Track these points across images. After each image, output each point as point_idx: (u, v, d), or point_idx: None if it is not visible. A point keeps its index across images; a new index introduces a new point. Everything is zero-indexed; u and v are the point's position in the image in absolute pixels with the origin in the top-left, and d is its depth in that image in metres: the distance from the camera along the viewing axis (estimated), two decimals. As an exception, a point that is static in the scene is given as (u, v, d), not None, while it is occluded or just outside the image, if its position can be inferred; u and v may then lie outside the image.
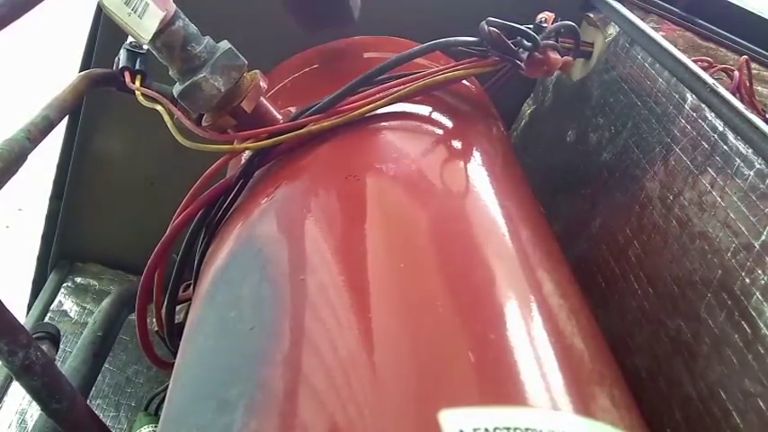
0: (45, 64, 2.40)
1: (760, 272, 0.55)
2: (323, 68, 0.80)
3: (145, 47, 0.62)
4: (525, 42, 0.69)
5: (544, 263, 0.51)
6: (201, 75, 0.58)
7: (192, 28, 0.59)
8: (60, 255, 1.32)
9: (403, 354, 0.38)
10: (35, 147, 0.56)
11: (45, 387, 0.56)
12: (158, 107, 0.63)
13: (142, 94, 0.66)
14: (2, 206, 2.02)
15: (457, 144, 0.63)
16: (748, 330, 0.55)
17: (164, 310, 0.69)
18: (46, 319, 1.22)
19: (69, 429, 0.59)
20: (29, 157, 0.55)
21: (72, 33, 1.35)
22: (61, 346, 0.72)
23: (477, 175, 0.59)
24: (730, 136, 0.64)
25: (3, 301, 0.51)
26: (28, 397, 0.81)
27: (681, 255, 0.66)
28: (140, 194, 1.27)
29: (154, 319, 0.72)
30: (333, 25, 0.81)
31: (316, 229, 0.52)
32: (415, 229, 0.50)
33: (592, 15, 0.98)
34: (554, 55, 0.71)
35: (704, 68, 0.78)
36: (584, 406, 0.38)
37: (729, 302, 0.58)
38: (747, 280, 0.56)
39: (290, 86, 0.80)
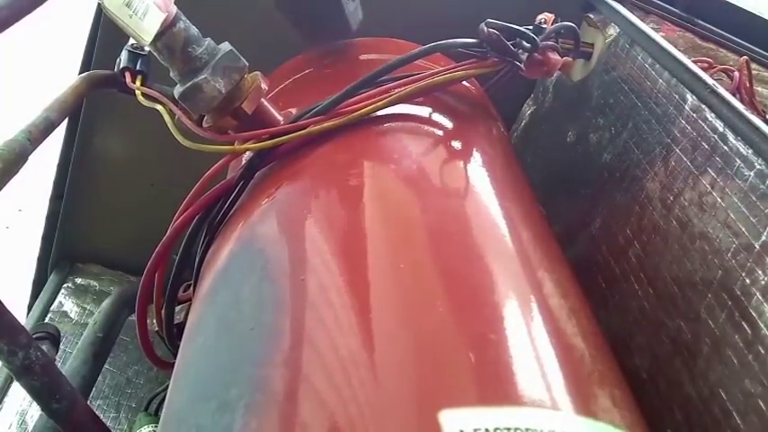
0: (46, 65, 2.40)
1: (760, 272, 0.55)
2: (324, 70, 0.80)
3: (146, 48, 0.62)
4: (525, 43, 0.69)
5: (544, 263, 0.51)
6: (202, 76, 0.58)
7: (193, 30, 0.59)
8: (60, 255, 1.32)
9: (403, 354, 0.38)
10: (36, 148, 0.56)
11: (45, 387, 0.56)
12: (159, 107, 0.63)
13: (143, 94, 0.66)
14: (2, 207, 2.02)
15: (457, 145, 0.63)
16: (749, 331, 0.55)
17: (164, 311, 0.69)
18: (46, 320, 1.22)
19: (69, 430, 0.59)
20: (29, 157, 0.55)
21: (72, 34, 1.35)
22: (61, 347, 0.72)
23: (478, 175, 0.59)
24: (730, 136, 0.64)
25: (3, 301, 0.51)
26: (28, 397, 0.81)
27: (681, 255, 0.66)
28: (141, 195, 1.27)
29: (154, 320, 0.72)
30: (330, 38, 0.82)
31: (316, 229, 0.52)
32: (416, 229, 0.50)
33: (592, 16, 0.98)
34: (554, 56, 0.71)
35: (704, 69, 0.78)
36: (584, 406, 0.38)
37: (730, 303, 0.58)
38: (747, 280, 0.56)
39: (291, 88, 0.80)
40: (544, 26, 0.71)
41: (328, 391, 0.37)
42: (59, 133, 1.00)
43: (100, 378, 0.85)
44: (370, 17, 0.84)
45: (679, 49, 0.79)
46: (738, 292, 0.57)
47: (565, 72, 0.99)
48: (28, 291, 1.33)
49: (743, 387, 0.54)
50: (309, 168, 0.59)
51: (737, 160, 0.62)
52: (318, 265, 0.48)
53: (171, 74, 0.60)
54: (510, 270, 0.48)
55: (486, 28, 0.67)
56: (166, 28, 0.57)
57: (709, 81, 0.70)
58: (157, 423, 0.88)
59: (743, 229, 0.58)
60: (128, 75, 0.70)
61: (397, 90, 0.62)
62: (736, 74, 0.90)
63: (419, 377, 0.36)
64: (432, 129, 0.64)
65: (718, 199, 0.63)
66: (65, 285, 1.30)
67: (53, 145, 0.86)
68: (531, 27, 0.71)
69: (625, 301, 0.73)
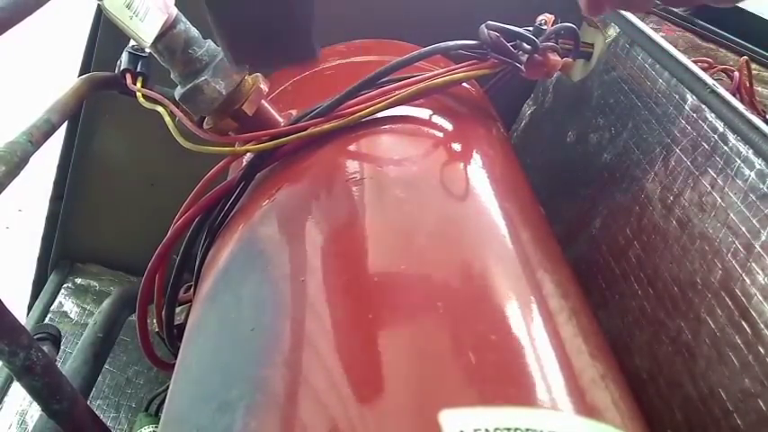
0: (46, 67, 2.40)
1: (760, 272, 0.55)
2: (324, 72, 0.80)
3: (146, 50, 0.62)
4: (525, 45, 0.69)
5: (544, 264, 0.51)
6: (203, 78, 0.58)
7: (194, 31, 0.59)
8: (60, 255, 1.32)
9: (403, 354, 0.38)
10: (37, 149, 0.56)
11: (46, 388, 0.56)
12: (159, 108, 0.63)
13: (143, 96, 0.66)
14: (2, 207, 2.02)
15: (457, 146, 0.63)
16: (749, 331, 0.55)
17: (164, 312, 0.69)
18: (46, 320, 1.22)
19: (70, 430, 0.59)
20: (30, 159, 0.55)
21: (72, 36, 1.35)
22: (61, 347, 0.72)
23: (478, 176, 0.59)
24: (730, 137, 0.64)
25: (3, 302, 0.51)
26: (28, 398, 0.81)
27: (681, 255, 0.66)
28: (141, 195, 1.27)
29: (154, 321, 0.72)
30: (293, 63, 0.61)
31: (317, 230, 0.52)
32: (416, 230, 0.50)
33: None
34: (553, 57, 0.71)
35: (704, 69, 0.78)
36: (584, 406, 0.38)
37: (730, 303, 0.58)
38: (748, 280, 0.56)
39: (291, 90, 0.80)
40: (544, 27, 0.71)
41: (328, 391, 0.37)
42: (59, 134, 1.00)
43: (100, 378, 0.85)
44: (370, 18, 0.84)
45: (679, 49, 0.79)
46: (738, 293, 0.57)
47: (565, 72, 0.99)
48: (28, 291, 1.33)
49: (743, 387, 0.54)
50: (310, 170, 0.59)
51: (737, 160, 0.62)
52: (319, 267, 0.48)
53: (171, 75, 0.60)
54: (510, 271, 0.48)
55: (486, 30, 0.68)
56: (167, 29, 0.57)
57: (709, 81, 0.70)
58: (158, 424, 0.88)
59: (743, 230, 0.59)
60: (128, 76, 0.70)
61: (397, 92, 0.62)
62: (736, 74, 0.91)
63: (419, 377, 0.36)
64: (432, 130, 0.64)
65: (719, 199, 0.63)
66: (65, 285, 1.30)
67: (53, 145, 0.86)
68: (531, 28, 0.71)
69: (625, 302, 0.73)
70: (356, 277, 0.45)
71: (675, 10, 1.08)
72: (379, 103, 0.61)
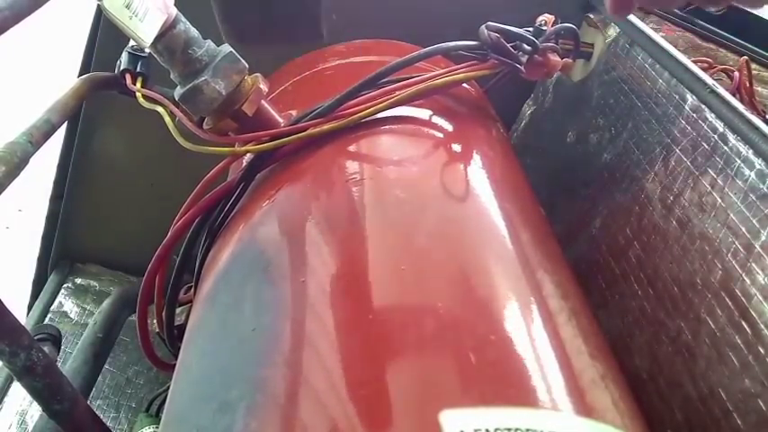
0: (45, 67, 2.40)
1: (760, 272, 0.55)
2: (324, 72, 0.80)
3: (146, 50, 0.62)
4: (525, 46, 0.69)
5: (545, 264, 0.51)
6: (203, 78, 0.58)
7: (193, 31, 0.59)
8: (60, 255, 1.32)
9: (403, 355, 0.38)
10: (37, 150, 0.56)
11: (47, 388, 0.56)
12: (159, 108, 0.63)
13: (143, 96, 0.66)
14: (2, 207, 2.02)
15: (457, 147, 0.63)
16: (749, 331, 0.55)
17: (164, 313, 0.69)
18: (46, 320, 1.22)
19: (71, 430, 0.59)
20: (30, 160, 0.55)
21: (72, 36, 1.35)
22: (61, 347, 0.72)
23: (478, 177, 0.59)
24: (730, 137, 0.64)
25: (3, 302, 0.51)
26: (28, 398, 0.81)
27: (681, 255, 0.66)
28: (141, 195, 1.27)
29: (154, 321, 0.72)
30: (298, 40, 0.65)
31: (317, 231, 0.52)
32: (416, 231, 0.50)
33: (592, 16, 0.99)
34: (553, 57, 0.71)
35: (704, 69, 0.78)
36: (584, 406, 0.38)
37: (730, 303, 0.58)
38: (747, 281, 0.56)
39: (291, 90, 0.80)
40: (544, 28, 0.71)
41: (329, 392, 0.37)
42: (59, 133, 1.00)
43: (100, 378, 0.85)
44: (370, 18, 0.84)
45: (679, 49, 0.79)
46: (738, 293, 0.57)
47: (565, 72, 0.99)
48: (28, 291, 1.33)
49: (743, 387, 0.54)
50: (310, 170, 0.59)
51: (737, 160, 0.62)
52: (319, 267, 0.48)
53: (171, 76, 0.60)
54: (511, 271, 0.48)
55: (486, 30, 0.68)
56: (167, 30, 0.57)
57: (709, 81, 0.70)
58: (158, 424, 0.88)
59: (743, 230, 0.59)
60: (128, 77, 0.70)
61: (397, 92, 0.62)
62: (736, 74, 0.91)
63: (420, 378, 0.36)
64: (432, 131, 0.64)
65: (718, 199, 0.63)
66: (65, 285, 1.30)
67: (53, 145, 0.86)
68: (531, 29, 0.71)
69: (625, 302, 0.73)
70: (356, 278, 0.45)
71: (675, 9, 1.08)
72: (380, 103, 0.61)
